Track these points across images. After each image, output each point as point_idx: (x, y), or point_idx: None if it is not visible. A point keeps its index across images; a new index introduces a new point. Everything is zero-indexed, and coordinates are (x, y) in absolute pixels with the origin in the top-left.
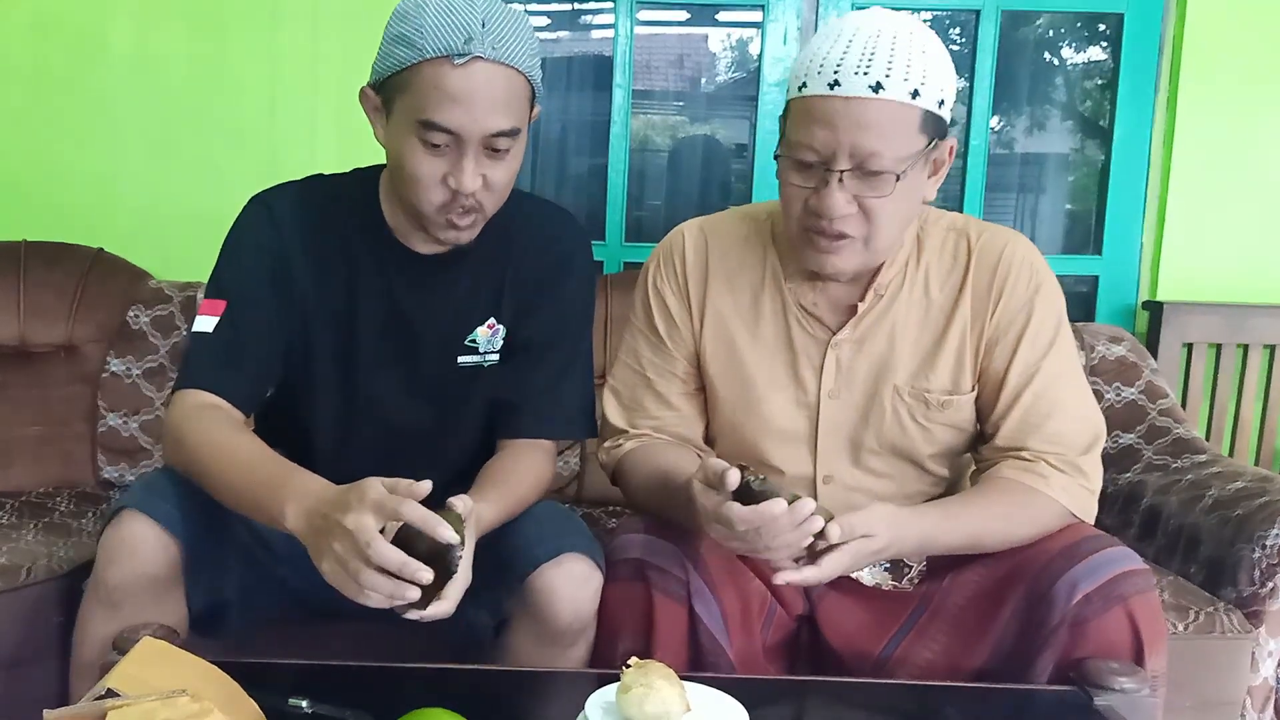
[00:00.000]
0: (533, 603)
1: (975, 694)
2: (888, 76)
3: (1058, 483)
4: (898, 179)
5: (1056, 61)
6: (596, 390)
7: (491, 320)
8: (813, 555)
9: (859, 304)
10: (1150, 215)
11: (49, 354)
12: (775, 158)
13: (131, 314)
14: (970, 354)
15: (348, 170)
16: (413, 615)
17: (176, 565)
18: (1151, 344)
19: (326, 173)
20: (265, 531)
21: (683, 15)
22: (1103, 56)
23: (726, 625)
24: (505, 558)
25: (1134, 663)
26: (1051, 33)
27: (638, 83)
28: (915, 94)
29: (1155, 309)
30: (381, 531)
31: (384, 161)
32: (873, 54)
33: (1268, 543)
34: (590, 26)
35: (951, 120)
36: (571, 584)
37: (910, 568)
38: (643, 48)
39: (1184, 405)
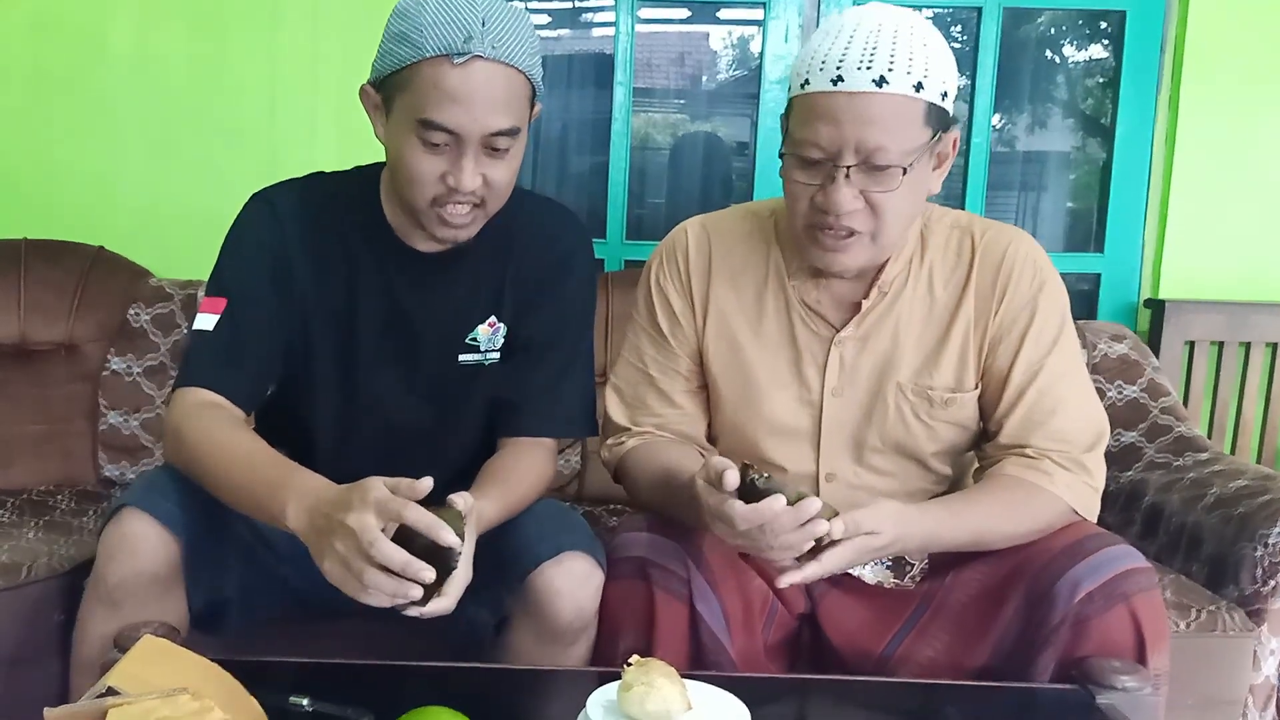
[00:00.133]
0: (534, 601)
1: (977, 692)
2: (890, 70)
3: (1061, 480)
4: (904, 173)
5: (1058, 59)
6: (598, 389)
7: (492, 319)
8: (815, 551)
9: (863, 301)
10: (1152, 213)
11: (50, 352)
12: (780, 156)
13: (132, 312)
14: (974, 351)
15: (349, 168)
16: (413, 613)
17: (177, 563)
18: (1153, 342)
19: (327, 171)
20: (266, 530)
21: (684, 13)
22: (1105, 54)
23: (728, 623)
24: (506, 556)
25: (1136, 661)
26: (1053, 30)
27: (639, 81)
28: (919, 87)
29: (1157, 307)
30: (382, 530)
31: (384, 160)
32: (875, 48)
33: (1270, 541)
34: (591, 24)
35: (954, 118)
36: (572, 582)
37: (912, 565)
38: (644, 45)
39: (1186, 403)
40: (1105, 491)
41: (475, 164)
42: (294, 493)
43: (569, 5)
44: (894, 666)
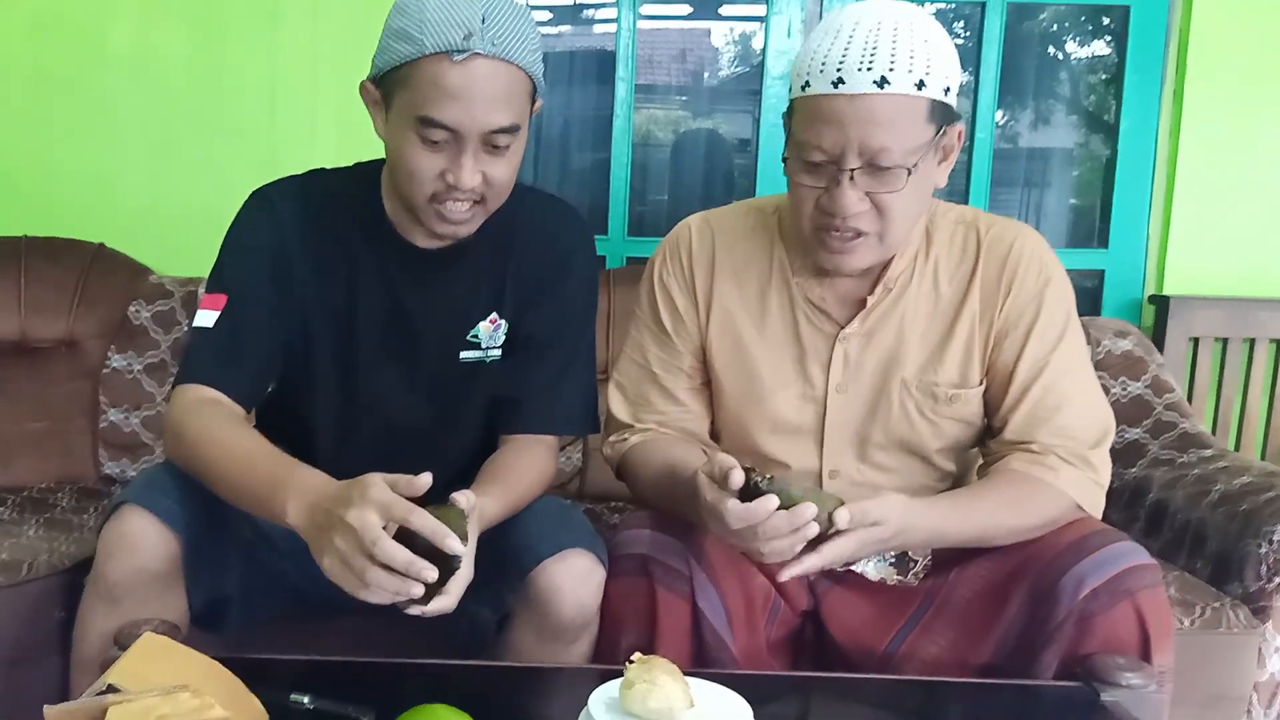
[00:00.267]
0: (535, 598)
1: (981, 690)
2: (891, 70)
3: (1067, 476)
4: (909, 173)
5: (1062, 56)
6: (599, 386)
7: (494, 315)
8: (817, 542)
9: (868, 298)
10: (1156, 209)
11: (50, 349)
12: (783, 160)
13: (132, 309)
14: (979, 347)
15: (349, 165)
16: (415, 611)
17: (177, 560)
18: (1158, 338)
19: (327, 168)
20: (266, 527)
21: (685, 9)
22: (1108, 50)
23: (730, 621)
24: (508, 553)
25: (1141, 658)
26: (1056, 26)
27: (640, 77)
28: (921, 84)
29: (1161, 303)
30: (383, 528)
31: (384, 157)
32: (875, 48)
33: (1275, 537)
34: (592, 21)
35: (957, 113)
36: (574, 579)
37: (915, 562)
38: (645, 42)
39: (1190, 400)
40: (1109, 488)
41: (475, 161)
42: (294, 489)
43: (571, 1)
44: (897, 664)
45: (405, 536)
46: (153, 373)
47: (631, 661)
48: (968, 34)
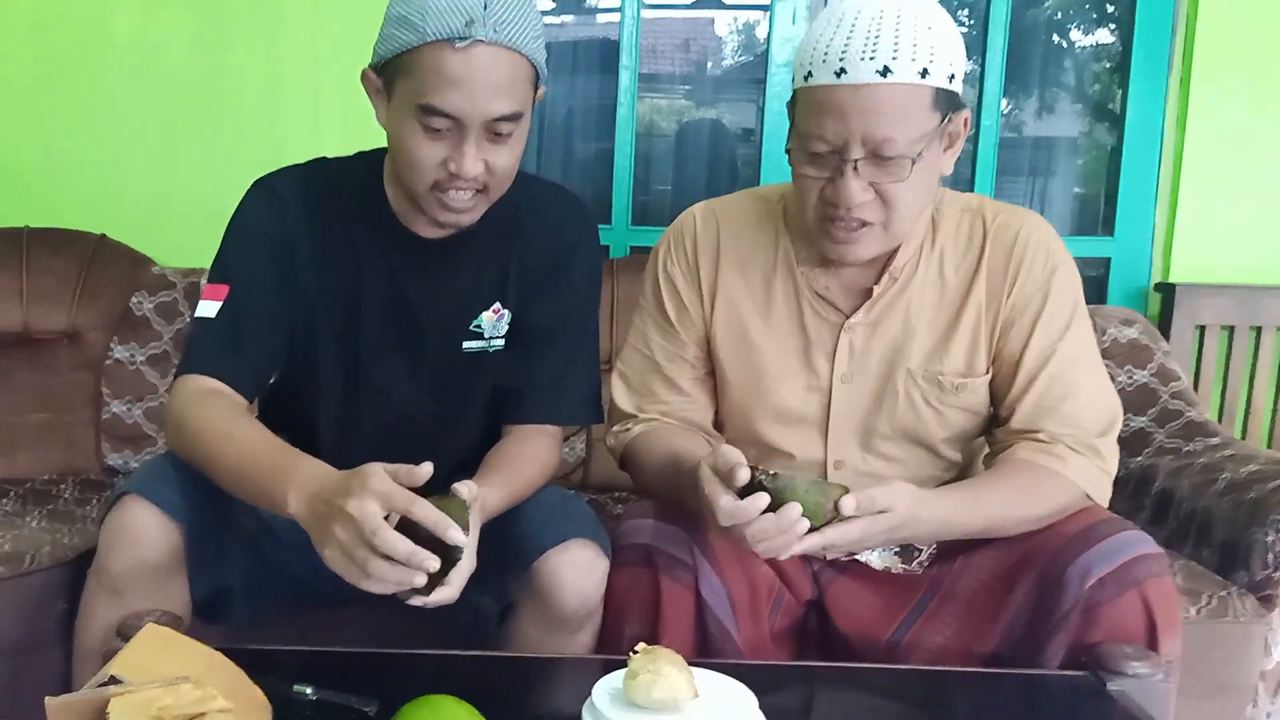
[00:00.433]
0: (539, 588)
1: (986, 679)
2: (894, 59)
3: (1074, 464)
4: (913, 162)
5: (1067, 43)
6: (603, 375)
7: (497, 305)
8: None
9: (873, 287)
10: (1163, 196)
11: (53, 341)
12: (787, 150)
13: (135, 300)
14: (985, 336)
15: (351, 154)
16: (417, 602)
17: (179, 551)
18: (1164, 326)
19: (330, 157)
20: (269, 517)
21: None
22: (1115, 37)
23: (734, 611)
24: (511, 543)
25: (1148, 647)
26: (1062, 14)
27: (643, 67)
28: (924, 73)
29: (1168, 291)
30: (385, 518)
31: (387, 145)
32: (877, 37)
33: None
34: (596, 10)
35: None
36: (577, 570)
37: (920, 551)
38: (649, 31)
39: (1196, 388)
40: (1115, 477)
41: (477, 149)
42: (295, 479)
43: None
44: (902, 653)
45: (407, 527)
46: (155, 364)
47: (636, 652)
48: (973, 22)
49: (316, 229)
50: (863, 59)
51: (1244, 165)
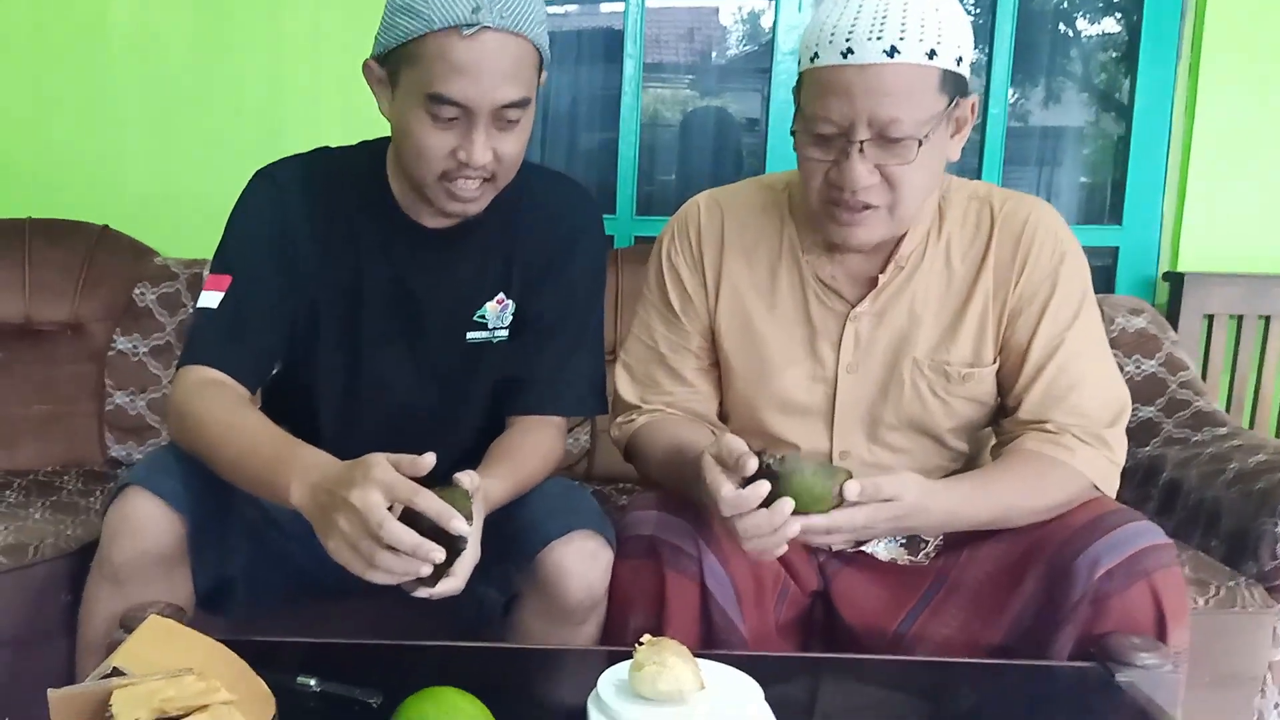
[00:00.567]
0: (543, 580)
1: (994, 670)
2: (902, 39)
3: (1082, 455)
4: (920, 144)
5: (1076, 31)
6: (608, 366)
7: (501, 295)
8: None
9: (879, 276)
10: (1171, 185)
11: (55, 332)
12: (792, 133)
13: (137, 291)
14: (992, 325)
15: (354, 144)
16: (423, 593)
17: (182, 542)
18: (1172, 315)
19: (332, 146)
20: (272, 508)
21: None
22: (1123, 25)
23: (739, 602)
24: (515, 534)
25: (1157, 638)
26: (1069, 3)
27: (648, 56)
28: (932, 54)
29: (1176, 280)
30: (389, 509)
31: (390, 135)
32: (885, 17)
33: None
34: (600, 0)
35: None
36: (582, 561)
37: (927, 542)
38: (653, 20)
39: (1204, 377)
40: (1123, 467)
41: (486, 137)
42: (297, 470)
43: None
44: (908, 644)
45: (410, 518)
46: (158, 355)
47: (641, 643)
48: (980, 10)
49: (318, 219)
50: (870, 39)
51: (1253, 154)
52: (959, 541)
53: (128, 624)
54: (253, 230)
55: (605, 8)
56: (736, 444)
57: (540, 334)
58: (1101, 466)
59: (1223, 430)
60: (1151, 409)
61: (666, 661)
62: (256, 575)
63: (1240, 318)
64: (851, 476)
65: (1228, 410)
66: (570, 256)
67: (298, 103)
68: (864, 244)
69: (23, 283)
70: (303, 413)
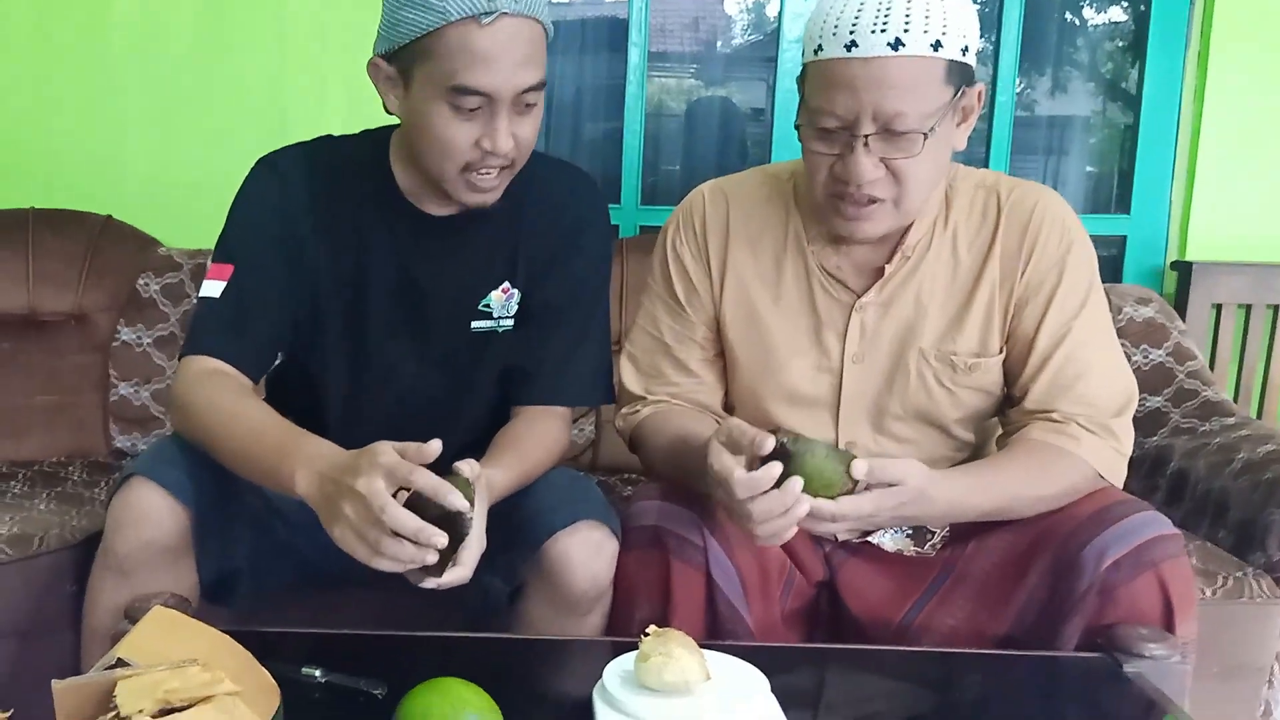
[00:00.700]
0: (548, 570)
1: (1001, 661)
2: (906, 31)
3: (1089, 445)
4: (925, 137)
5: (1084, 19)
6: (613, 356)
7: (506, 284)
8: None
9: (885, 266)
10: (1179, 174)
11: (59, 323)
12: (796, 126)
13: (141, 282)
14: (999, 315)
15: (358, 132)
16: (430, 584)
17: (186, 533)
18: (1180, 305)
19: (336, 134)
20: (276, 499)
21: None
22: (1132, 12)
23: (745, 592)
24: (520, 524)
25: (1164, 629)
26: None
27: (653, 45)
28: (937, 45)
29: (1184, 269)
30: (394, 496)
31: (394, 123)
32: (889, 8)
33: None
34: None
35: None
36: (587, 551)
37: (933, 533)
38: (657, 9)
39: (1212, 367)
40: (1130, 457)
41: (508, 124)
42: (302, 458)
43: None
44: (914, 635)
45: (417, 508)
46: (162, 346)
47: (646, 634)
48: None
49: (321, 207)
50: (874, 31)
51: (1262, 143)
52: (965, 532)
53: (132, 615)
54: (255, 219)
55: None
56: (747, 425)
57: (546, 324)
58: (1108, 456)
59: (1231, 420)
60: (1159, 399)
61: (672, 652)
62: (261, 565)
63: (1249, 307)
64: (854, 457)
65: (1235, 400)
66: (576, 245)
67: (301, 93)
68: (870, 237)
69: (26, 273)
70: (307, 403)
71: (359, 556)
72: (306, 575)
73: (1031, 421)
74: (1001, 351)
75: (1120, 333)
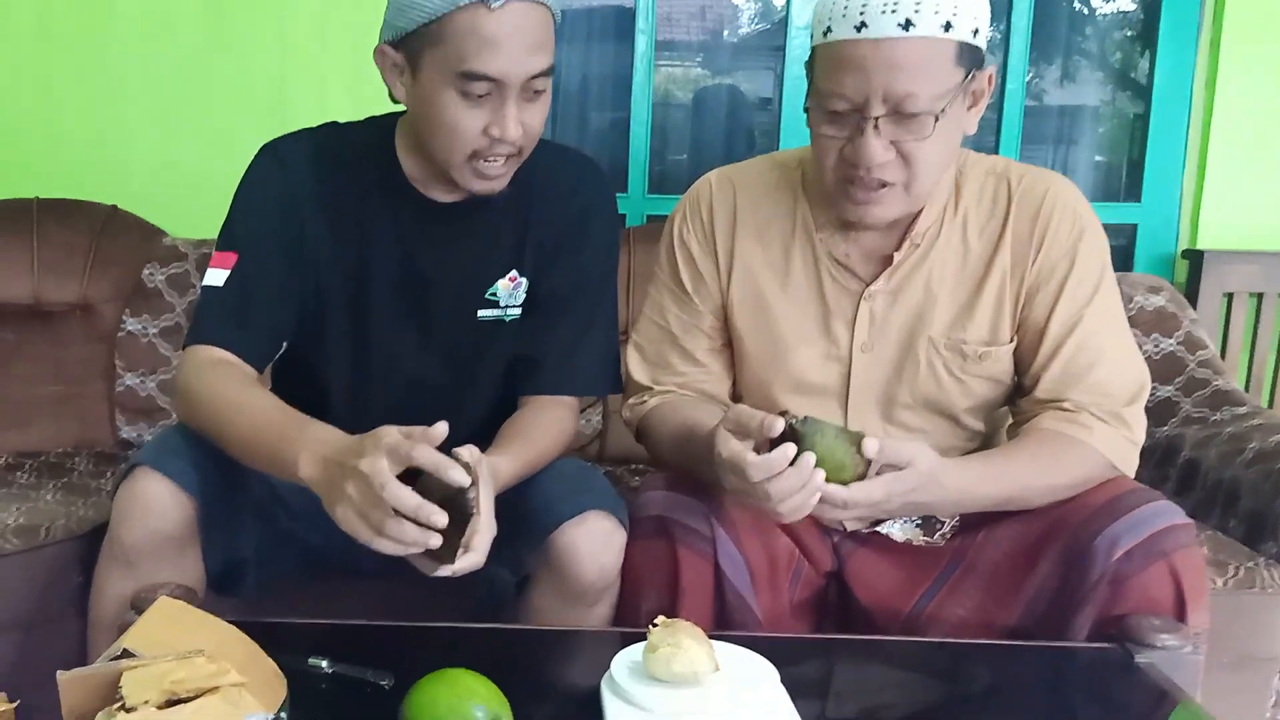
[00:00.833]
0: (555, 560)
1: (1011, 652)
2: (917, 12)
3: (1100, 433)
4: (936, 119)
5: (1094, 7)
6: (621, 346)
7: (513, 273)
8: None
9: (894, 254)
10: (1191, 162)
11: (64, 313)
12: (805, 109)
13: (146, 272)
14: (1010, 303)
15: (362, 119)
16: (444, 571)
17: (192, 523)
18: (1191, 294)
19: (340, 121)
20: (282, 488)
21: None
22: (1141, 2)
23: (753, 582)
24: (527, 515)
25: (1176, 619)
26: None
27: (659, 34)
28: (948, 26)
29: (1195, 258)
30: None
31: (399, 110)
32: None
33: None
34: None
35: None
36: (594, 541)
37: (942, 523)
38: None
39: (1223, 356)
40: (1141, 447)
41: (517, 110)
42: (306, 443)
43: None
44: (923, 625)
45: (420, 493)
46: (168, 336)
47: (655, 625)
48: None
49: (326, 194)
50: (884, 12)
51: (1274, 131)
52: (975, 522)
53: (138, 605)
54: (258, 206)
55: None
56: (754, 410)
57: (552, 312)
58: (1120, 445)
59: (1242, 409)
60: (1170, 388)
61: (681, 643)
62: (267, 555)
63: (1260, 296)
64: (864, 436)
65: (1247, 389)
66: (583, 233)
67: (306, 81)
68: (880, 222)
69: (31, 263)
70: (313, 392)
71: (361, 538)
72: (313, 565)
73: (1043, 411)
74: (1012, 340)
75: (1131, 321)
